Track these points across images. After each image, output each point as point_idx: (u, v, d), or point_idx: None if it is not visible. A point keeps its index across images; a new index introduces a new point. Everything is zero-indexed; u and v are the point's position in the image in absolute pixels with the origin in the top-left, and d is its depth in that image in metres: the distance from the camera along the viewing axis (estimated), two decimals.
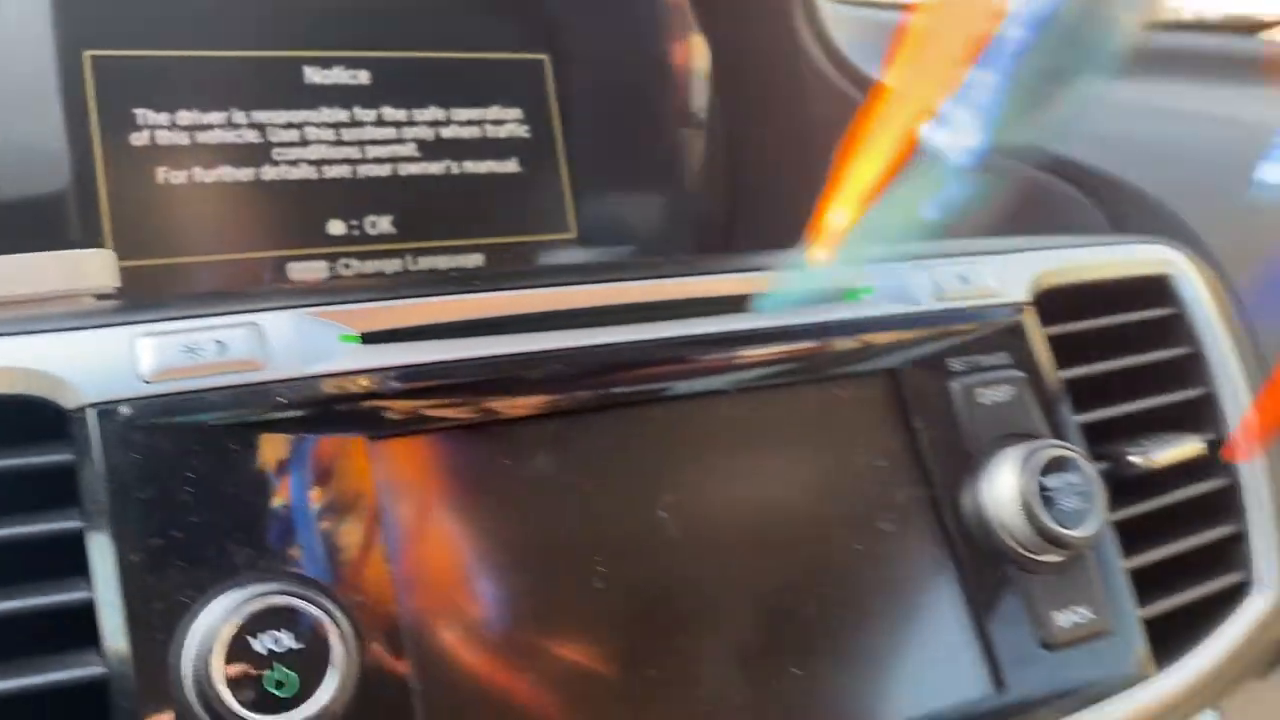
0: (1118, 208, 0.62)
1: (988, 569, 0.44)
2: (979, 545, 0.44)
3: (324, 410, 0.36)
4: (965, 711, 0.42)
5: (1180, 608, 0.49)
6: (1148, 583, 0.48)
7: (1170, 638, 0.48)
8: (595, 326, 0.41)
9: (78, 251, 0.40)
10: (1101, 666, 0.45)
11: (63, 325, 0.35)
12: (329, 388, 0.36)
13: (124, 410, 0.34)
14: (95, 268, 0.40)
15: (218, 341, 0.36)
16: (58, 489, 0.34)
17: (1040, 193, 0.64)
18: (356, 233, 0.71)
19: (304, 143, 0.70)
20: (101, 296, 0.41)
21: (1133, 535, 0.48)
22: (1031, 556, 0.44)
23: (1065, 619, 0.44)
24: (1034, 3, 0.32)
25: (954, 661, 0.43)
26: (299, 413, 0.36)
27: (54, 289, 0.39)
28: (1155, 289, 0.56)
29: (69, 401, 0.34)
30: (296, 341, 0.37)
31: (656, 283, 0.43)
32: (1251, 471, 0.53)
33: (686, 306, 0.43)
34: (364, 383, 0.37)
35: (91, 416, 0.34)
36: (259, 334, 0.37)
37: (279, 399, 0.36)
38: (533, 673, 0.36)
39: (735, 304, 0.44)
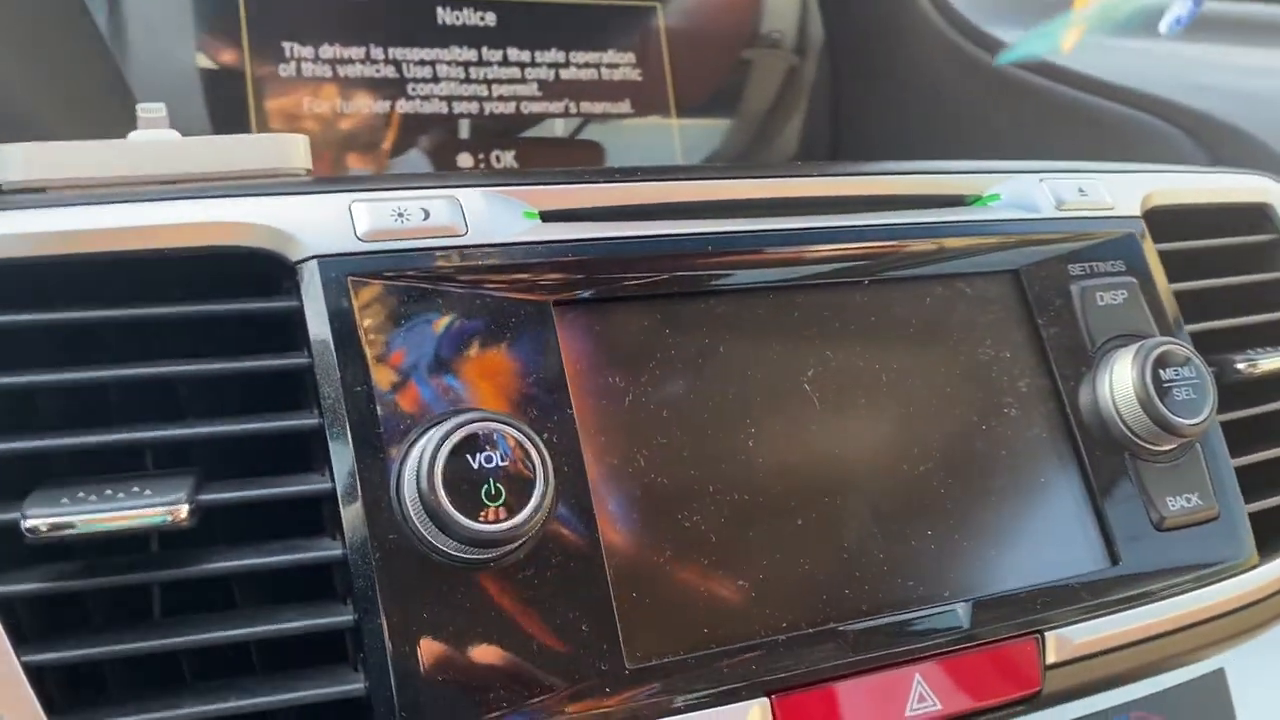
0: (1220, 146, 0.65)
1: (1104, 454, 0.47)
2: (1096, 432, 0.47)
3: (515, 275, 0.40)
4: (1081, 582, 0.45)
5: None
6: (1254, 481, 0.51)
7: (1276, 534, 0.51)
8: (746, 216, 0.45)
9: (281, 135, 0.44)
10: (1209, 550, 0.48)
11: (288, 190, 0.40)
12: (520, 256, 0.40)
13: (344, 263, 0.38)
14: (297, 150, 0.44)
15: (424, 209, 0.40)
16: (282, 337, 0.38)
17: (1147, 133, 0.67)
18: (483, 166, 0.75)
19: (436, 79, 0.74)
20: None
21: (1241, 438, 0.51)
22: (1145, 444, 0.47)
23: (1176, 503, 0.47)
24: None
25: (1072, 536, 0.46)
26: (495, 275, 0.40)
27: (255, 167, 0.43)
28: (1256, 216, 0.59)
29: (295, 254, 0.38)
30: (488, 213, 0.41)
31: (802, 180, 0.47)
32: None
33: (831, 203, 0.47)
34: (547, 254, 0.41)
35: (315, 267, 0.38)
36: (458, 205, 0.41)
37: (478, 261, 0.40)
38: (694, 513, 0.40)
39: (875, 203, 0.48)
